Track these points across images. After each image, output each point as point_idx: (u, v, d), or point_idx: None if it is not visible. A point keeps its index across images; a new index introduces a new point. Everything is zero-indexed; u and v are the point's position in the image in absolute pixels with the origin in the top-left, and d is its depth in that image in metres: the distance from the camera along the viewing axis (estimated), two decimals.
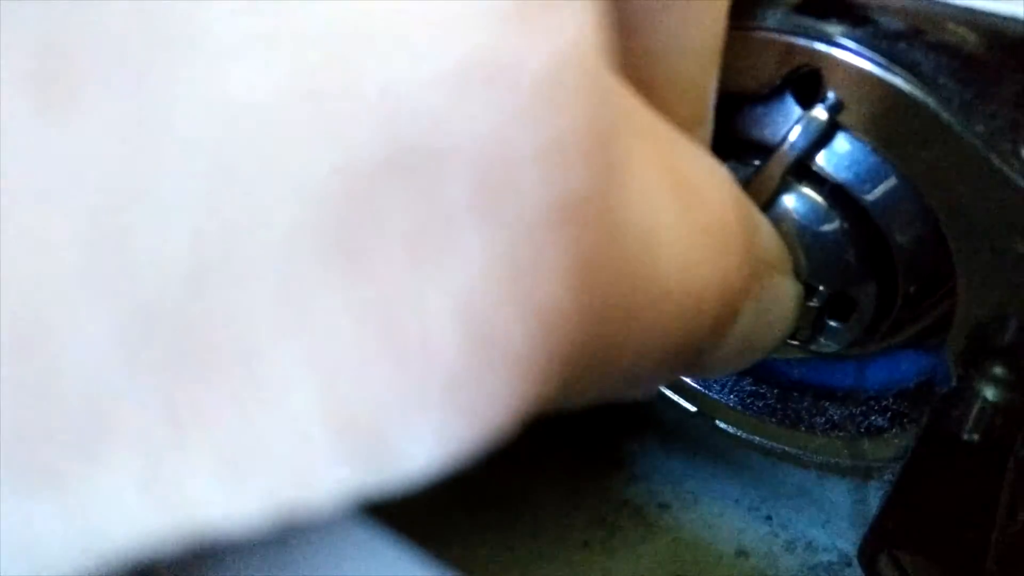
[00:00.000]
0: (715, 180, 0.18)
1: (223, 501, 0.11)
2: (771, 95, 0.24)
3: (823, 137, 0.24)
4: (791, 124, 0.24)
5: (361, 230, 0.10)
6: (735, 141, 0.25)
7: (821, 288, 0.25)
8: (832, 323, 0.27)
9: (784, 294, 0.23)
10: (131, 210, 0.09)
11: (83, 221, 0.09)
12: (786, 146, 0.24)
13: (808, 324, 0.26)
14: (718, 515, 0.35)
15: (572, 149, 0.11)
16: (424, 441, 0.12)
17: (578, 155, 0.11)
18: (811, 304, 0.25)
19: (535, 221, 0.11)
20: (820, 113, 0.23)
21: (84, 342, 0.09)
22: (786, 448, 0.31)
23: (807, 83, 0.24)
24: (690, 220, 0.16)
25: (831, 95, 0.23)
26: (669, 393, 0.33)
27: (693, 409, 0.33)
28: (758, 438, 0.32)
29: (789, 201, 0.25)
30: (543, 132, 0.11)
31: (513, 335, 0.11)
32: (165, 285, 0.09)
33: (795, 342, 0.27)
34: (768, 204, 0.24)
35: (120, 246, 0.09)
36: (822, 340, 0.27)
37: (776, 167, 0.24)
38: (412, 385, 0.11)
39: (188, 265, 0.09)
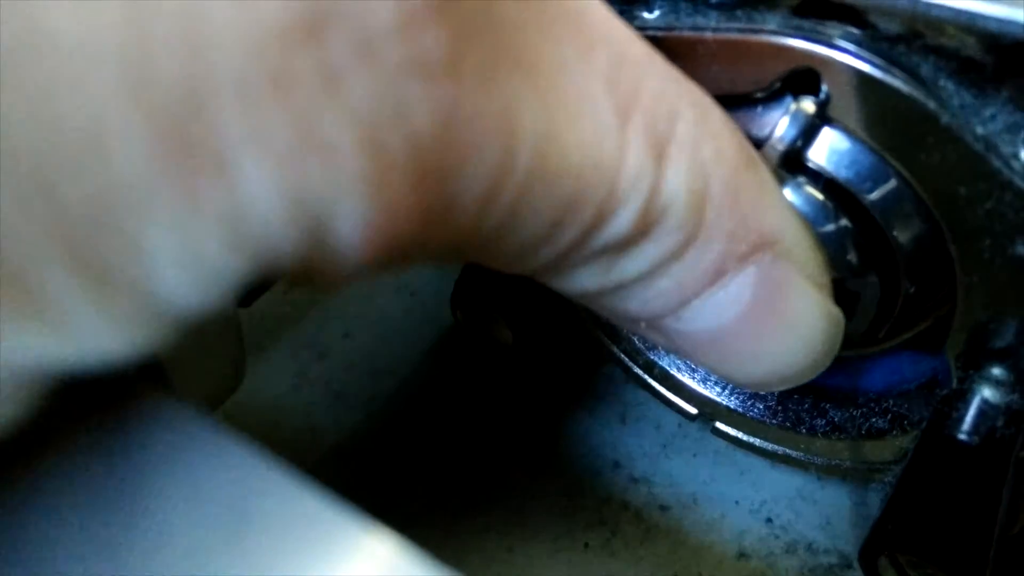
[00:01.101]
0: (598, 63, 0.19)
1: (227, 265, 0.14)
2: (770, 97, 0.24)
3: (812, 129, 0.24)
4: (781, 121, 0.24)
5: (289, 66, 0.14)
6: None
7: None
8: None
9: (802, 298, 0.22)
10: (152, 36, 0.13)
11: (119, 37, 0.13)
12: (774, 139, 0.24)
13: None
14: (719, 517, 0.35)
15: (424, 20, 0.15)
16: (348, 220, 0.15)
17: (429, 25, 0.15)
18: None
19: (401, 71, 0.15)
20: (808, 106, 0.23)
21: (129, 139, 0.13)
22: (787, 450, 0.31)
23: (806, 85, 0.24)
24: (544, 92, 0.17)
25: (823, 89, 0.23)
26: (669, 395, 0.33)
27: (694, 411, 0.33)
28: (758, 441, 0.32)
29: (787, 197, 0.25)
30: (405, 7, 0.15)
31: (397, 150, 0.15)
32: (178, 98, 0.13)
33: None
34: None
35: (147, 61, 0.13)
36: None
37: (765, 160, 0.24)
38: (336, 175, 0.15)
39: (185, 88, 0.13)
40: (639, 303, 0.21)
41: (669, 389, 0.33)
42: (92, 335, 0.14)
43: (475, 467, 0.38)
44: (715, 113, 0.21)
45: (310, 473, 0.40)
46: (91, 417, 0.17)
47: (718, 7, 0.24)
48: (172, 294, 0.14)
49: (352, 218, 0.15)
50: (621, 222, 0.19)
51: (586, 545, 0.35)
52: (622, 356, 0.33)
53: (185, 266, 0.14)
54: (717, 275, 0.21)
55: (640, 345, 0.33)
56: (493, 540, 0.35)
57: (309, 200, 0.15)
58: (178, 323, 0.15)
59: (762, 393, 0.32)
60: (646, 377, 0.33)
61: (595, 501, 0.36)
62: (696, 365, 0.23)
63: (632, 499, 0.36)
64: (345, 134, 0.15)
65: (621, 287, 0.21)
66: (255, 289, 0.33)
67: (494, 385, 0.40)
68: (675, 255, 0.20)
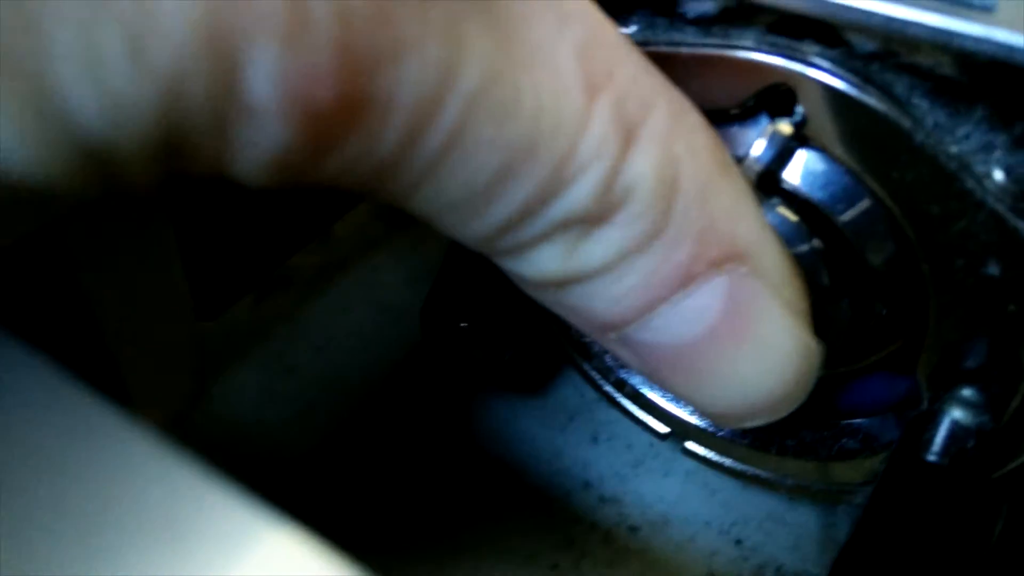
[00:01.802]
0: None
1: (131, 73, 0.14)
2: (746, 114, 0.24)
3: (788, 151, 0.24)
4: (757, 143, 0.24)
5: None
6: None
7: None
8: None
9: (775, 322, 0.21)
10: None
11: None
12: (750, 159, 0.24)
13: None
14: (688, 538, 0.35)
15: None
16: (261, 68, 0.15)
17: None
18: None
19: None
20: (784, 128, 0.23)
21: None
22: (756, 471, 0.31)
23: (782, 102, 0.24)
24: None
25: (799, 110, 0.23)
26: (640, 414, 0.33)
27: (664, 431, 0.32)
28: (728, 461, 0.31)
29: None
30: None
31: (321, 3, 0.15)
32: None
33: None
34: None
35: None
36: None
37: None
38: (255, 19, 0.14)
39: None
40: (604, 303, 0.21)
41: (640, 408, 0.33)
42: None
43: (443, 486, 0.37)
44: (692, 114, 0.20)
45: (276, 490, 0.39)
46: None
47: (695, 23, 0.24)
48: (69, 98, 0.14)
49: (266, 67, 0.15)
50: (580, 192, 0.19)
51: (555, 566, 0.35)
52: (593, 374, 0.33)
53: (84, 66, 0.13)
54: (685, 279, 0.20)
55: (611, 363, 0.33)
56: (461, 561, 0.35)
57: (222, 28, 0.14)
58: (79, 146, 0.14)
59: None
60: (617, 395, 0.33)
61: (564, 522, 0.36)
62: (663, 388, 0.22)
63: (602, 520, 0.36)
64: None
65: (585, 278, 0.20)
66: (219, 302, 0.32)
67: (464, 403, 0.39)
68: (641, 246, 0.20)
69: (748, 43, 0.23)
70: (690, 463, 0.33)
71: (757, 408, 0.22)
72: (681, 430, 0.32)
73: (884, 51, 0.22)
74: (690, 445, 0.32)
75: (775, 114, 0.24)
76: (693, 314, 0.20)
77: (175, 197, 0.26)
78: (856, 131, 0.22)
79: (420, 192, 0.18)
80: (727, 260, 0.20)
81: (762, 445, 0.30)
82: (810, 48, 0.23)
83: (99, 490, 0.16)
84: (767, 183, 0.24)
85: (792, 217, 0.24)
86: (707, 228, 0.20)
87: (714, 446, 0.31)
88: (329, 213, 0.38)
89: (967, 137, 0.22)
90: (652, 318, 0.21)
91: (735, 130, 0.25)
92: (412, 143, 0.17)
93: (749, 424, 0.23)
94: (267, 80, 0.15)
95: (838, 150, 0.23)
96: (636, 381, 0.32)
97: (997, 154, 0.22)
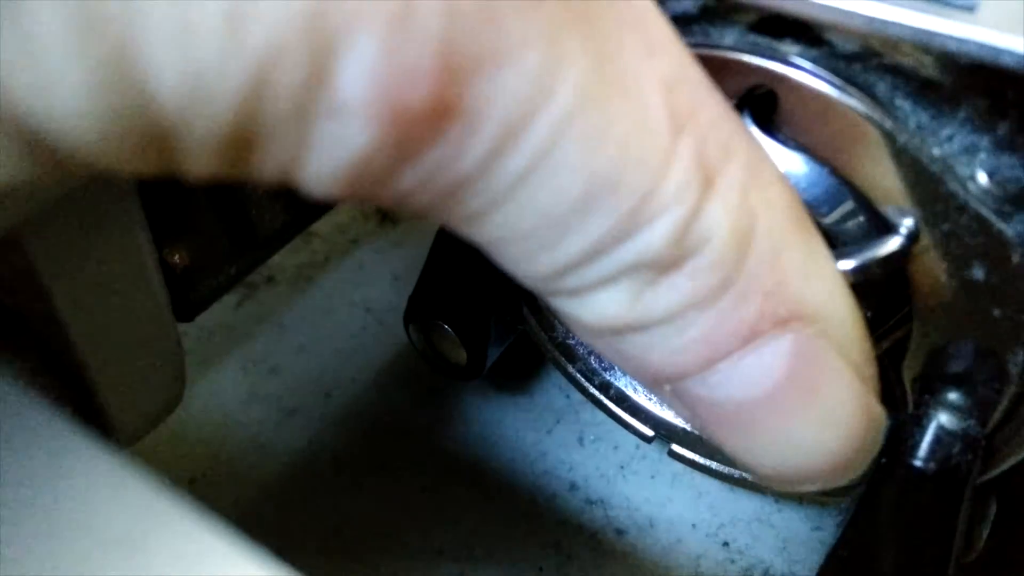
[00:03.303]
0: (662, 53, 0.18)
1: (221, 50, 0.13)
2: None
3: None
4: None
5: None
6: None
7: None
8: None
9: (841, 386, 0.20)
10: None
11: None
12: None
13: None
14: (675, 541, 0.35)
15: None
16: (354, 62, 0.14)
17: None
18: None
19: None
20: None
21: None
22: (743, 474, 0.31)
23: (764, 103, 0.23)
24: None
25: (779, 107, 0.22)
26: (626, 416, 0.32)
27: (650, 433, 0.32)
28: (715, 464, 0.31)
29: None
30: None
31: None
32: None
33: None
34: None
35: None
36: None
37: None
38: (359, 7, 0.14)
39: None
40: (663, 354, 0.20)
41: (626, 410, 0.32)
42: None
43: (428, 488, 0.37)
44: (770, 164, 0.19)
45: (258, 493, 0.39)
46: None
47: (674, 21, 0.23)
48: (151, 66, 0.13)
49: (362, 61, 0.14)
50: (655, 235, 0.18)
51: (540, 569, 0.34)
52: (578, 376, 0.33)
53: (175, 33, 0.13)
54: (750, 336, 0.19)
55: (596, 365, 0.32)
56: (445, 565, 0.34)
57: (324, 14, 0.13)
58: (148, 120, 0.14)
59: None
60: (602, 398, 0.32)
61: (550, 524, 0.35)
62: (717, 443, 0.21)
63: (588, 522, 0.35)
64: None
65: (646, 326, 0.19)
66: (198, 301, 0.32)
67: (449, 404, 0.39)
68: (708, 299, 0.19)
69: (728, 43, 0.23)
70: (678, 465, 0.33)
71: (814, 473, 0.21)
72: (667, 433, 0.32)
73: (866, 51, 0.21)
74: (676, 448, 0.32)
75: (758, 115, 0.24)
76: (755, 373, 0.19)
77: (149, 192, 0.26)
78: (838, 132, 0.22)
79: (492, 216, 0.17)
80: (795, 319, 0.19)
81: None
82: (791, 48, 0.22)
83: (53, 506, 0.15)
84: None
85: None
86: (778, 285, 0.19)
87: (700, 449, 0.31)
88: (311, 210, 0.38)
89: (950, 139, 0.21)
90: (711, 374, 0.19)
91: None
92: (496, 160, 0.16)
93: (803, 489, 0.22)
94: (361, 75, 0.14)
95: (820, 152, 0.23)
96: (622, 384, 0.32)
97: (981, 156, 0.21)
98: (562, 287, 0.19)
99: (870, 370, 0.21)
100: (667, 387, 0.20)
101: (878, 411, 0.21)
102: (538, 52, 0.15)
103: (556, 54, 0.16)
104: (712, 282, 0.18)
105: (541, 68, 0.16)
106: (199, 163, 0.15)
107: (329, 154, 0.15)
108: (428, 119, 0.15)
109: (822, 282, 0.20)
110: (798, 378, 0.19)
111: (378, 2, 0.14)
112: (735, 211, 0.18)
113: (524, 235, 0.18)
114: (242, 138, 0.14)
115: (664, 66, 0.18)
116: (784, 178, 0.19)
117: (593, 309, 0.19)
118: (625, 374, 0.32)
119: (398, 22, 0.14)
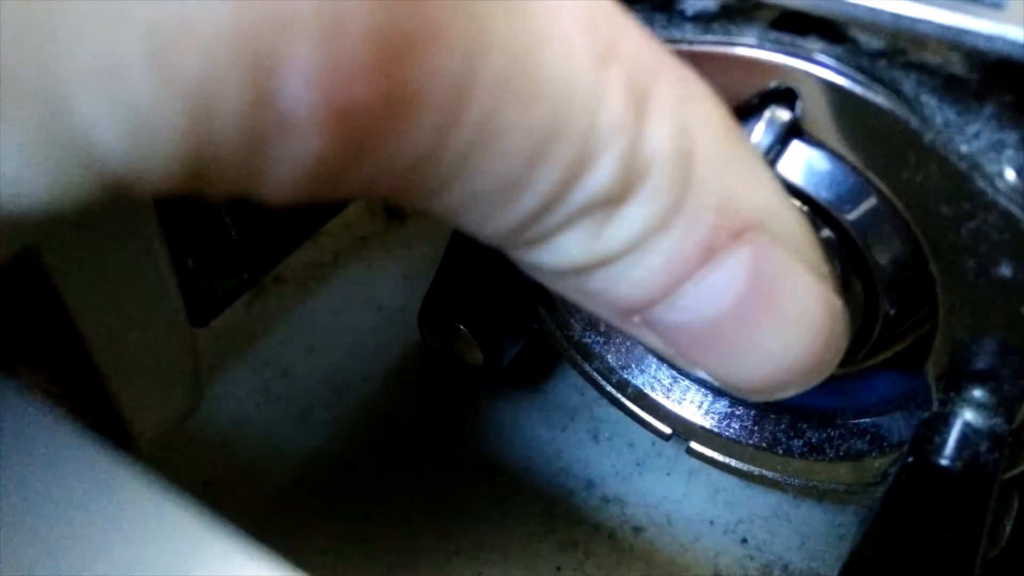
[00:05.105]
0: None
1: (154, 92, 0.13)
2: (749, 112, 0.23)
3: (787, 137, 0.23)
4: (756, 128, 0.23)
5: None
6: None
7: None
8: None
9: (800, 286, 0.20)
10: None
11: None
12: None
13: None
14: (693, 538, 0.34)
15: None
16: (295, 68, 0.14)
17: None
18: None
19: None
20: (783, 113, 0.23)
21: None
22: (763, 471, 0.30)
23: (786, 102, 0.23)
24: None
25: (798, 104, 0.22)
26: (643, 415, 0.32)
27: (667, 431, 0.32)
28: (734, 461, 0.31)
29: None
30: None
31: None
32: None
33: None
34: None
35: None
36: None
37: None
38: (287, 16, 0.13)
39: None
40: (627, 286, 0.20)
41: (643, 409, 0.32)
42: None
43: (442, 487, 0.37)
44: (698, 82, 0.19)
45: (272, 494, 0.39)
46: None
47: (693, 19, 0.23)
48: (85, 121, 0.13)
49: (300, 67, 0.14)
50: (603, 172, 0.18)
51: (558, 568, 0.34)
52: (595, 375, 0.32)
53: (102, 83, 0.12)
54: (709, 252, 0.19)
55: (613, 363, 0.32)
56: (462, 565, 0.34)
57: (253, 30, 0.13)
58: (96, 171, 0.13)
59: (738, 412, 0.31)
60: (619, 396, 0.32)
61: (567, 523, 0.35)
62: (691, 368, 0.21)
63: (605, 520, 0.35)
64: None
65: (608, 262, 0.19)
66: (212, 306, 0.32)
67: (463, 403, 0.39)
68: (663, 222, 0.19)
69: (749, 40, 0.22)
70: (693, 461, 0.33)
71: (791, 376, 0.21)
72: (684, 430, 0.32)
73: (891, 49, 0.21)
74: (695, 445, 0.32)
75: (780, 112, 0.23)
76: (719, 288, 0.20)
77: (164, 200, 0.26)
78: (863, 131, 0.22)
79: (449, 189, 0.17)
80: (748, 229, 0.19)
81: (768, 446, 0.30)
82: (814, 45, 0.22)
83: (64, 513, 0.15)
84: None
85: (797, 204, 0.24)
86: (726, 198, 0.19)
87: (719, 447, 0.31)
88: (322, 211, 0.37)
89: (977, 136, 0.21)
90: (677, 297, 0.20)
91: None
92: (445, 136, 0.16)
93: (782, 395, 0.22)
94: (304, 84, 0.14)
95: (844, 150, 0.22)
96: (639, 382, 0.32)
97: (1008, 152, 0.21)
98: (523, 239, 0.19)
99: (824, 268, 0.21)
100: (636, 319, 0.21)
101: (838, 304, 0.21)
102: (461, 22, 0.15)
103: (479, 20, 0.16)
104: (664, 205, 0.19)
105: (468, 38, 0.16)
106: (156, 193, 0.15)
107: (284, 167, 0.15)
108: (375, 111, 0.15)
109: (764, 188, 0.20)
110: (759, 285, 0.20)
111: (305, 8, 0.14)
112: (673, 131, 0.18)
113: (481, 200, 0.18)
114: (196, 167, 0.14)
115: (579, 1, 0.18)
116: (713, 93, 0.20)
117: (556, 254, 0.19)
118: (642, 372, 0.32)
119: (330, 23, 0.14)
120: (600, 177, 0.18)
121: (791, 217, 0.20)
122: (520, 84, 0.16)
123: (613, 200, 0.18)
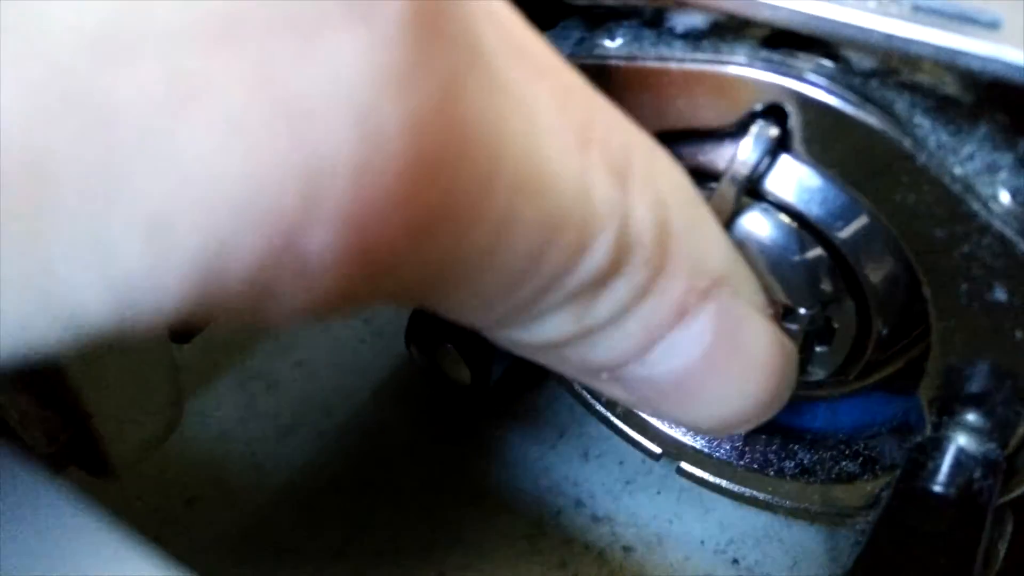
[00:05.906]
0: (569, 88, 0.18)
1: (149, 265, 0.12)
2: (738, 131, 0.23)
3: (775, 152, 0.23)
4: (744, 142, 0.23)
5: (246, 17, 0.11)
6: (701, 176, 0.24)
7: (802, 311, 0.24)
8: (817, 348, 0.26)
9: (757, 331, 0.21)
10: None
11: None
12: (738, 162, 0.23)
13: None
14: (683, 558, 0.34)
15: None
16: (330, 216, 0.12)
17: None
18: (794, 327, 0.24)
19: (395, 29, 0.12)
20: (771, 128, 0.22)
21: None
22: (754, 492, 0.30)
23: (774, 116, 0.22)
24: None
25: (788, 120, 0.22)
26: (634, 434, 0.32)
27: (658, 451, 0.31)
28: (725, 482, 0.30)
29: (756, 226, 0.24)
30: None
31: (389, 122, 0.13)
32: (74, 51, 0.11)
33: None
34: (726, 225, 0.23)
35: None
36: (809, 368, 0.26)
37: (729, 186, 0.23)
38: (309, 157, 0.12)
39: (93, 35, 0.11)
40: (604, 350, 0.20)
41: (633, 428, 0.32)
42: None
43: (429, 506, 0.36)
44: (660, 150, 0.20)
45: (256, 511, 0.38)
46: None
47: (683, 37, 0.23)
48: (76, 295, 0.12)
49: (331, 214, 0.12)
50: (598, 253, 0.18)
51: None
52: (584, 394, 0.32)
53: (91, 257, 0.12)
54: (681, 313, 0.20)
55: None
56: None
57: (281, 187, 0.12)
58: (89, 332, 0.12)
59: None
60: (609, 415, 0.32)
61: (556, 543, 0.35)
62: (659, 416, 0.22)
63: (595, 540, 0.35)
64: (326, 95, 0.12)
65: (589, 333, 0.20)
66: (193, 323, 0.31)
67: (450, 420, 0.38)
68: (643, 292, 0.19)
69: (740, 59, 0.22)
70: (683, 480, 0.32)
71: (748, 414, 0.22)
72: (675, 451, 0.31)
73: (884, 68, 0.21)
74: (685, 466, 0.31)
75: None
76: (688, 343, 0.20)
77: None
78: (854, 151, 0.21)
79: (456, 291, 0.17)
80: (714, 286, 0.20)
81: (760, 467, 0.30)
82: (805, 64, 0.22)
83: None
84: (754, 186, 0.23)
85: (787, 222, 0.23)
86: (696, 259, 0.20)
87: (709, 467, 0.31)
88: None
89: (971, 157, 0.21)
90: (649, 355, 0.20)
91: (728, 148, 0.23)
92: (462, 241, 0.16)
93: (739, 431, 0.24)
94: (331, 229, 0.13)
95: (835, 171, 0.22)
96: None
97: (1002, 175, 0.21)
98: (509, 323, 0.19)
99: (770, 308, 0.22)
100: (604, 375, 0.21)
101: (789, 343, 0.23)
102: (485, 140, 0.15)
103: (497, 131, 0.15)
104: (646, 276, 0.19)
105: (489, 153, 0.15)
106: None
107: (296, 301, 0.14)
108: (400, 240, 0.14)
109: (723, 244, 0.21)
110: (724, 336, 0.21)
111: (340, 153, 0.12)
112: (652, 203, 0.19)
113: (482, 295, 0.18)
114: (194, 317, 0.13)
115: (551, 87, 0.18)
116: (672, 157, 0.20)
117: (539, 334, 0.20)
118: None
119: (365, 165, 0.13)
120: (596, 259, 0.18)
121: (741, 267, 0.22)
122: (530, 180, 0.16)
123: (601, 280, 0.19)
